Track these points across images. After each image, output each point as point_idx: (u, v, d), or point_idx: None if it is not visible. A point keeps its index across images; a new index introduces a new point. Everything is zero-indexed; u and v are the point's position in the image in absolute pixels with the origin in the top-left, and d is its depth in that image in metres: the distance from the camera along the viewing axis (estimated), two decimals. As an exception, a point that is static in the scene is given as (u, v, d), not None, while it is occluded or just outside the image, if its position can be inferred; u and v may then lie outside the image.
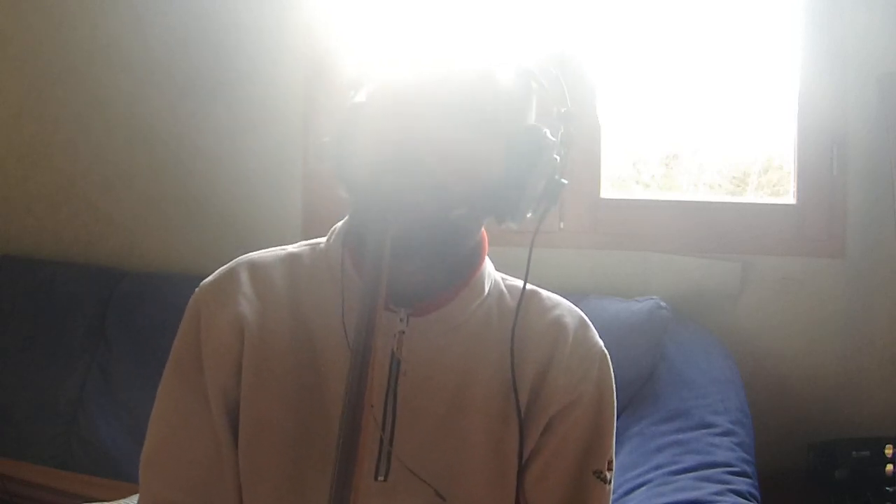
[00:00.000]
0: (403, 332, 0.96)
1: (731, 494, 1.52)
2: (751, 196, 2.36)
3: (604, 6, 2.17)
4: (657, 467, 1.63)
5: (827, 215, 2.10)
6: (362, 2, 2.07)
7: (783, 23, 2.15)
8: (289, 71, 2.25)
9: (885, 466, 1.78)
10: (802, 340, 2.12)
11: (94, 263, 2.36)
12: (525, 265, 0.98)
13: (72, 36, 2.37)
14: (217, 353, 0.97)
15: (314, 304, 0.99)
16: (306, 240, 1.06)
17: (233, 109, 2.29)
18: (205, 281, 1.02)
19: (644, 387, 1.85)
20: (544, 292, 1.04)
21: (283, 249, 1.04)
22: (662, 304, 1.92)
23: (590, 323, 1.03)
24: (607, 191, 2.23)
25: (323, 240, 1.03)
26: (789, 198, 2.17)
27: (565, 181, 0.95)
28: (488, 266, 1.03)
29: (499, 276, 1.05)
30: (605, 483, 1.01)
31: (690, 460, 1.62)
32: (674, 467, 1.61)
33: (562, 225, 2.17)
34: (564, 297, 1.05)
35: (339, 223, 1.03)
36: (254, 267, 1.01)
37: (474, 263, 1.00)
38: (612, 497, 1.03)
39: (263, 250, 1.04)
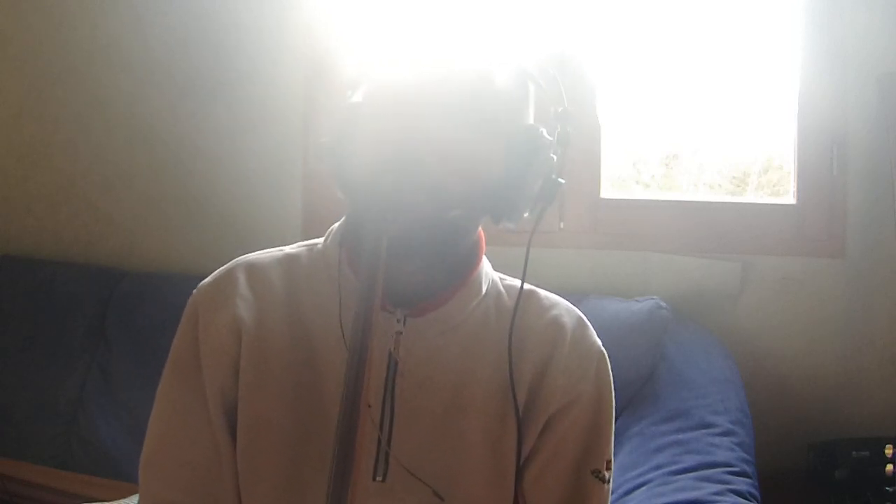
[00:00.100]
0: (401, 333, 0.96)
1: (731, 494, 1.52)
2: (751, 196, 2.36)
3: (604, 6, 2.17)
4: (657, 467, 1.63)
5: (827, 215, 2.10)
6: (362, 2, 2.07)
7: (783, 23, 2.15)
8: (289, 71, 2.25)
9: (885, 466, 1.77)
10: (802, 340, 2.12)
11: (94, 263, 2.36)
12: (520, 264, 0.98)
13: (72, 36, 2.37)
14: (215, 355, 0.97)
15: (312, 305, 0.99)
16: (306, 240, 1.06)
17: (233, 109, 2.29)
18: (202, 282, 1.02)
19: (644, 387, 1.85)
20: (542, 292, 1.04)
21: (281, 250, 1.04)
22: (662, 304, 1.92)
23: (588, 323, 1.03)
24: (607, 191, 2.23)
25: (320, 240, 1.03)
26: (789, 198, 2.17)
27: (562, 180, 0.95)
28: (486, 266, 1.03)
29: (496, 275, 1.05)
30: (604, 483, 1.01)
31: (690, 460, 1.62)
32: (674, 467, 1.61)
33: (562, 225, 2.17)
34: (564, 297, 1.05)
35: (337, 224, 1.03)
36: (251, 268, 1.01)
37: (471, 263, 1.00)
38: (611, 497, 1.03)
39: (261, 251, 1.04)
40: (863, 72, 2.06)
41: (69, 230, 2.43)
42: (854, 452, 1.86)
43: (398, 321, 0.96)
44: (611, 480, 1.02)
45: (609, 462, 1.02)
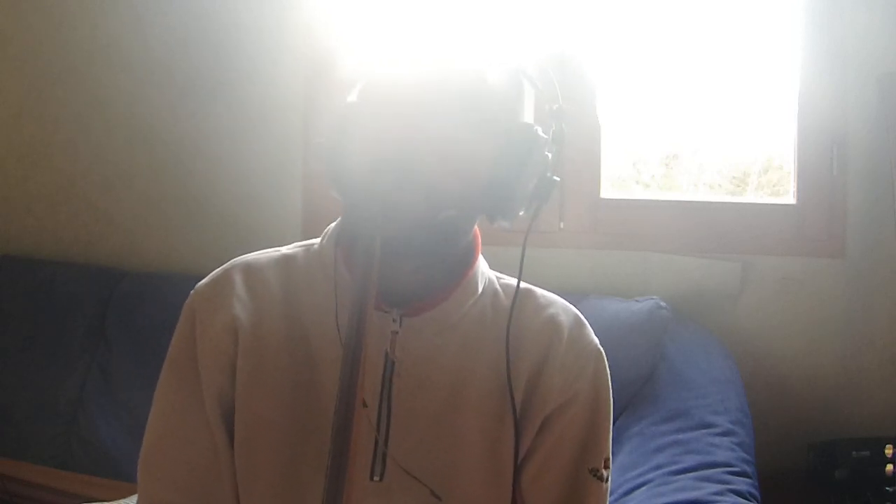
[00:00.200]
0: (397, 333, 0.96)
1: (731, 494, 1.51)
2: (751, 196, 2.36)
3: (604, 6, 2.17)
4: (657, 467, 1.63)
5: (827, 215, 2.10)
6: (362, 2, 2.07)
7: (783, 23, 2.15)
8: (289, 71, 2.25)
9: (885, 466, 1.77)
10: (802, 340, 2.12)
11: (94, 263, 2.36)
12: (520, 263, 0.98)
13: (72, 36, 2.37)
14: (212, 355, 0.97)
15: (309, 305, 0.99)
16: (306, 240, 1.06)
17: (233, 109, 2.29)
18: (199, 284, 1.02)
19: (644, 387, 1.85)
20: (539, 291, 1.04)
21: (277, 251, 1.04)
22: (662, 304, 1.92)
23: (585, 321, 1.03)
24: (607, 191, 2.23)
25: (317, 241, 1.04)
26: (789, 198, 2.17)
27: (557, 178, 0.95)
28: (482, 265, 1.03)
29: (493, 274, 1.04)
30: (602, 481, 1.00)
31: (690, 460, 1.62)
32: (674, 467, 1.61)
33: (562, 225, 2.17)
34: (564, 297, 1.05)
35: (333, 224, 1.03)
36: (248, 269, 1.02)
37: (467, 262, 1.00)
38: (612, 497, 1.03)
39: (258, 252, 1.05)
40: (863, 72, 2.06)
41: (69, 230, 2.43)
42: (854, 452, 1.86)
43: (394, 321, 0.96)
44: (609, 479, 1.02)
45: (607, 460, 1.02)
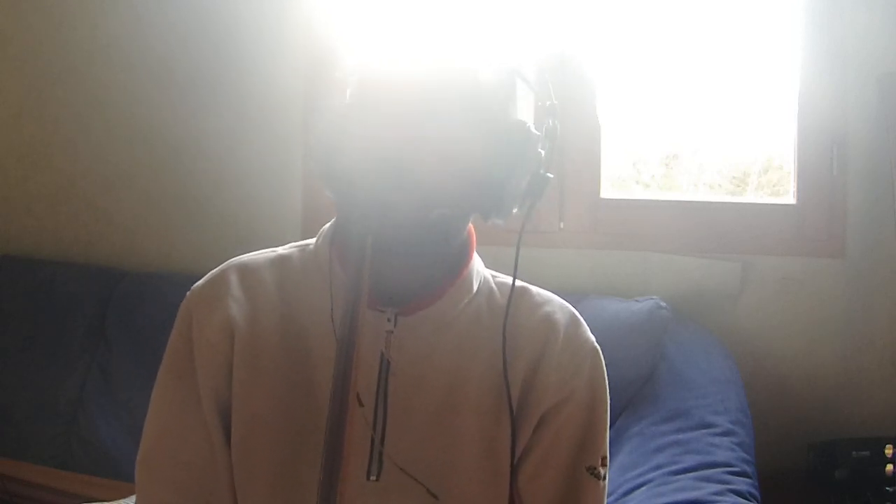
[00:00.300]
0: (391, 332, 0.96)
1: (731, 494, 1.51)
2: (751, 196, 2.36)
3: (604, 6, 2.17)
4: (657, 467, 1.63)
5: (827, 215, 2.10)
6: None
7: (783, 23, 2.15)
8: (289, 69, 2.25)
9: (885, 466, 1.77)
10: (802, 340, 2.12)
11: (94, 263, 2.36)
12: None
13: (72, 36, 2.37)
14: (208, 355, 0.98)
15: (304, 304, 0.99)
16: (305, 240, 1.06)
17: (233, 108, 2.29)
18: (195, 285, 1.03)
19: (644, 387, 1.85)
20: (534, 289, 1.04)
21: (273, 251, 1.05)
22: (662, 304, 1.92)
23: (581, 319, 1.03)
24: (607, 191, 2.23)
25: (312, 241, 1.04)
26: (789, 198, 2.17)
27: (551, 175, 0.95)
28: (477, 263, 1.03)
29: (488, 273, 1.04)
30: (599, 479, 1.00)
31: (690, 460, 1.62)
32: (674, 467, 1.61)
33: (562, 225, 2.17)
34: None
35: (327, 224, 1.03)
36: (243, 269, 1.02)
37: (462, 261, 1.00)
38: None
39: (253, 252, 1.05)
40: (863, 72, 2.06)
41: (69, 230, 2.43)
42: (854, 452, 1.86)
43: (389, 320, 0.96)
44: (606, 477, 1.02)
45: (604, 458, 1.01)
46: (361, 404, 0.93)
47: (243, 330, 0.98)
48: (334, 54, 2.10)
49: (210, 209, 2.33)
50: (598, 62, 2.15)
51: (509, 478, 0.97)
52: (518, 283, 1.01)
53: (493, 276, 1.04)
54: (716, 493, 1.51)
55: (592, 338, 1.02)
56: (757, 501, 1.54)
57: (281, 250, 1.05)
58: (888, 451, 1.77)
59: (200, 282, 1.03)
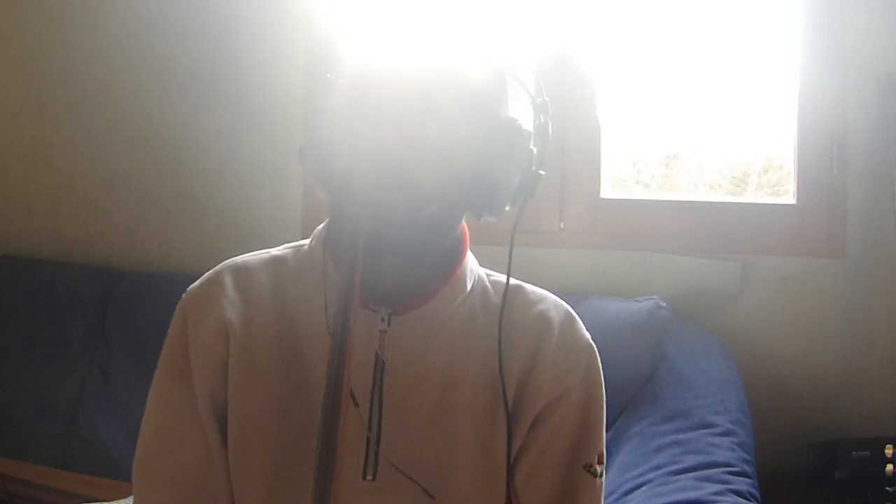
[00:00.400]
0: (385, 332, 0.96)
1: (731, 494, 1.51)
2: (751, 196, 2.36)
3: (604, 6, 2.17)
4: (657, 467, 1.63)
5: (827, 215, 2.10)
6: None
7: (783, 23, 2.15)
8: (289, 65, 2.25)
9: (885, 466, 1.77)
10: (802, 340, 2.12)
11: (94, 263, 2.36)
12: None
13: (72, 36, 2.37)
14: (204, 356, 0.98)
15: (299, 305, 0.99)
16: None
17: (233, 106, 2.29)
18: (190, 287, 1.03)
19: (644, 387, 1.85)
20: (529, 287, 1.03)
21: (268, 252, 1.05)
22: (662, 304, 1.92)
23: (576, 316, 1.03)
24: (607, 191, 2.23)
25: (306, 242, 1.04)
26: (789, 198, 2.17)
27: (543, 172, 0.95)
28: (471, 262, 1.03)
29: (483, 271, 1.04)
30: (596, 477, 1.00)
31: (690, 460, 1.62)
32: (674, 467, 1.61)
33: (562, 225, 2.17)
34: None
35: (321, 225, 1.03)
36: (238, 270, 1.02)
37: (455, 260, 1.00)
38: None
39: (248, 254, 1.05)
40: (863, 72, 2.06)
41: (69, 230, 2.43)
42: (854, 452, 1.86)
43: (383, 320, 0.96)
44: (603, 475, 1.02)
45: (601, 456, 1.01)
46: (357, 404, 0.93)
47: (238, 331, 0.98)
48: (334, 53, 2.11)
49: (210, 209, 2.33)
50: (598, 62, 2.15)
51: (505, 477, 0.97)
52: (512, 281, 1.00)
53: (488, 275, 1.04)
54: (716, 493, 1.51)
55: (587, 335, 1.02)
56: (757, 501, 1.54)
57: (275, 251, 1.05)
58: (888, 451, 1.77)
59: (195, 283, 1.03)
